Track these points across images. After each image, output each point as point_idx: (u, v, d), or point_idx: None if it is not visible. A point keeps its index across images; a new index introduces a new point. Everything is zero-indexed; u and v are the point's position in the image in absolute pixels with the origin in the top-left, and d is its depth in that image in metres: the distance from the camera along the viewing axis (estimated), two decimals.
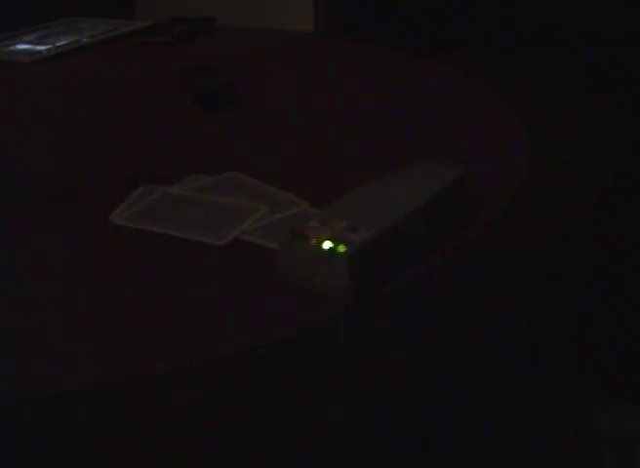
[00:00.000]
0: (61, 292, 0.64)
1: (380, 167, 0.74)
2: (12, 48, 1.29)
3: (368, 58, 1.18)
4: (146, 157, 0.88)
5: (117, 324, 0.59)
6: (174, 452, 0.53)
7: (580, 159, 0.82)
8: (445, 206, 0.69)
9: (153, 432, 0.52)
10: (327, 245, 0.61)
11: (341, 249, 0.60)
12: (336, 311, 0.60)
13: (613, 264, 1.26)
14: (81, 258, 0.68)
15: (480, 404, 0.73)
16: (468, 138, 0.87)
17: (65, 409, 0.52)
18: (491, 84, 1.03)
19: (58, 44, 1.29)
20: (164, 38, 1.31)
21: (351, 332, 0.60)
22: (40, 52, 1.26)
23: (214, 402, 0.54)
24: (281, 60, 1.19)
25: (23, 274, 0.67)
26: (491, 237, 0.69)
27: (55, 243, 0.71)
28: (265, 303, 0.61)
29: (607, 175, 0.79)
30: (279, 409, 0.54)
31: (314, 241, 0.61)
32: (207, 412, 0.53)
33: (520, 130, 0.89)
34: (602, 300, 1.26)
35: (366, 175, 0.70)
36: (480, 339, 0.69)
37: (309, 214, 0.71)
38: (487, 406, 0.75)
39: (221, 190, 0.77)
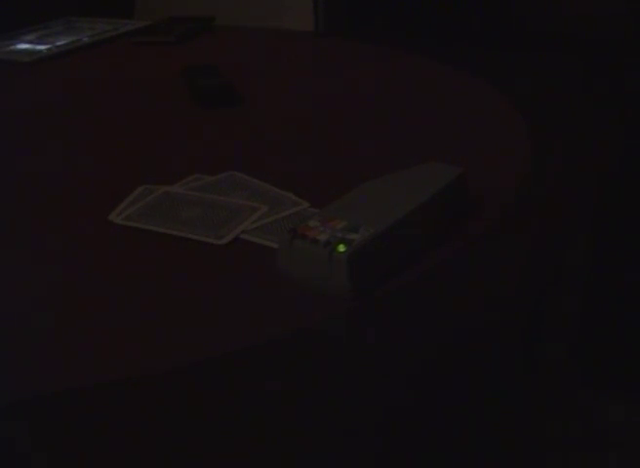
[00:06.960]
0: (61, 292, 0.64)
1: (381, 167, 0.74)
2: (12, 47, 1.29)
3: (368, 57, 1.18)
4: (146, 156, 0.88)
5: (117, 323, 0.59)
6: (174, 452, 0.53)
7: (580, 158, 0.82)
8: (445, 205, 0.69)
9: (153, 432, 0.52)
10: (327, 244, 0.61)
11: (341, 248, 0.60)
12: (336, 311, 0.60)
13: (612, 263, 1.26)
14: (81, 258, 0.68)
15: (480, 403, 0.73)
16: (468, 138, 0.87)
17: (65, 409, 0.52)
18: (491, 84, 1.03)
19: (58, 44, 1.29)
20: (164, 38, 1.31)
21: (351, 332, 0.60)
22: (40, 51, 1.26)
23: (214, 402, 0.54)
24: (281, 60, 1.19)
25: (23, 274, 0.67)
26: (491, 236, 0.69)
27: (55, 243, 0.71)
28: (265, 303, 0.61)
29: (606, 173, 0.79)
30: (279, 408, 0.54)
31: (314, 241, 0.61)
32: (207, 412, 0.53)
33: (520, 129, 0.89)
34: (602, 300, 1.26)
35: (366, 175, 0.70)
36: (480, 339, 0.69)
37: (309, 213, 0.71)
38: (487, 405, 0.75)
39: (221, 190, 0.77)
